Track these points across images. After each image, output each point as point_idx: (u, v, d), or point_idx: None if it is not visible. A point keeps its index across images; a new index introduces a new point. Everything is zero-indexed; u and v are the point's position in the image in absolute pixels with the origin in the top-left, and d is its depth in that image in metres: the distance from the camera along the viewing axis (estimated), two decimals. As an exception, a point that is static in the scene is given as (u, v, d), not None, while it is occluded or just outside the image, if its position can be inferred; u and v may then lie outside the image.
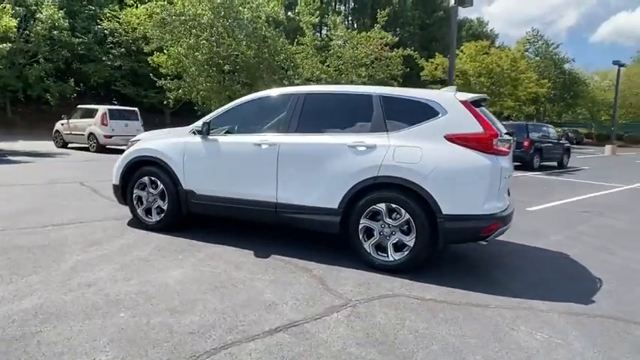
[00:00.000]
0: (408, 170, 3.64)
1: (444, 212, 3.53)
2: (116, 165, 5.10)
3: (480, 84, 28.75)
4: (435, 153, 3.63)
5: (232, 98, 18.78)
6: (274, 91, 4.65)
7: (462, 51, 30.08)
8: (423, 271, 3.74)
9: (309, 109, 4.22)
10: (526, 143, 14.15)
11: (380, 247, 3.82)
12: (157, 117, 26.00)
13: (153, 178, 4.75)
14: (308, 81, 22.98)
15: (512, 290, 3.52)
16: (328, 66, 22.28)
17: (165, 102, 20.02)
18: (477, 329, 2.82)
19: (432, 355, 2.48)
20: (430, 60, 29.21)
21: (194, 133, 4.61)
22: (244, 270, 3.70)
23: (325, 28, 23.10)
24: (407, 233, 3.70)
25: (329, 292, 3.31)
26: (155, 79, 17.88)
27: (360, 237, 3.86)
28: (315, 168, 4.01)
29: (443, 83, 30.11)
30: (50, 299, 2.91)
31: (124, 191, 4.98)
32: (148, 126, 12.60)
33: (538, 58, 38.05)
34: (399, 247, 3.75)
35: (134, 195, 4.88)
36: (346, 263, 3.90)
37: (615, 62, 28.63)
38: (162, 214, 4.75)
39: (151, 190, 4.79)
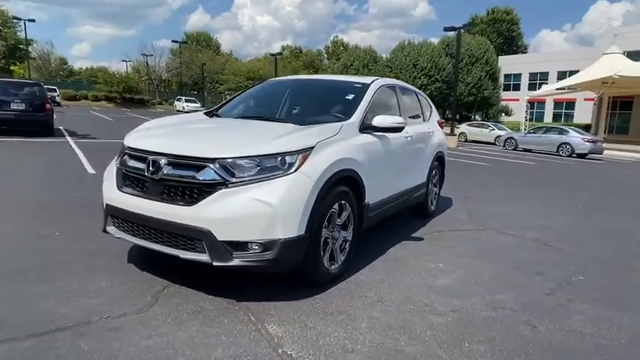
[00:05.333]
0: (442, 145, 5.47)
1: (445, 165, 5.81)
2: (290, 201, 2.63)
3: None
4: (440, 133, 5.65)
5: None
6: (388, 81, 4.47)
7: None
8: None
9: (404, 101, 4.61)
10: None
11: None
12: None
13: (343, 202, 3.13)
14: None
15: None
16: None
17: None
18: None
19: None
20: None
21: (362, 130, 3.48)
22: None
23: None
24: (437, 185, 5.58)
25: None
26: None
27: (430, 198, 5.25)
28: (423, 152, 4.76)
29: None
30: None
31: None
32: None
33: None
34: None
35: (322, 239, 2.91)
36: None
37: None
38: (347, 249, 3.29)
39: (337, 220, 3.13)
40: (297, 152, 2.74)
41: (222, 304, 2.72)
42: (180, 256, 2.68)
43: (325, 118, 3.55)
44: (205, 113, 4.12)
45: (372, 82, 4.01)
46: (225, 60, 62.05)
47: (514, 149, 20.04)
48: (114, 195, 2.97)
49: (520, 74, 45.52)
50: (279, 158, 2.69)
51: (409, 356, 2.27)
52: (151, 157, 2.78)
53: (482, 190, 8.07)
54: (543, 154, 18.65)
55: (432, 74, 42.23)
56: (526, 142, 19.97)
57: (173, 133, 3.36)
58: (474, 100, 45.20)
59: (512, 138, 20.74)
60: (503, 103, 44.80)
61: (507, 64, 45.31)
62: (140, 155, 2.89)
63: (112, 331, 2.32)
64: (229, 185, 2.59)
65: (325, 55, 63.49)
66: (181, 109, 44.12)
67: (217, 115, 3.99)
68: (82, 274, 3.04)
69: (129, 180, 2.94)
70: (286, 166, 2.69)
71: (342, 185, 3.06)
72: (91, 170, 7.33)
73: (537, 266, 3.81)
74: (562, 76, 39.44)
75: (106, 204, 3.02)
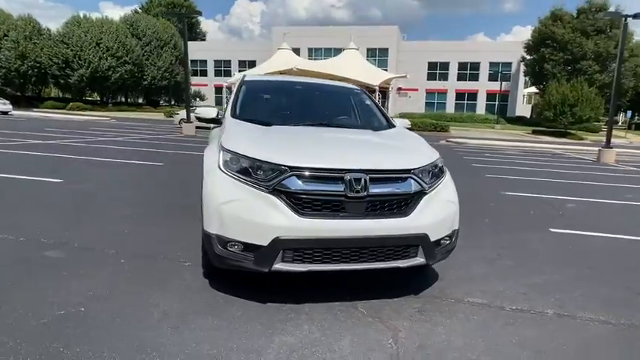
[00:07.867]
0: None
1: None
2: (457, 198, 3.15)
3: None
4: None
5: None
6: None
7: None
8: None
9: None
10: None
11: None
12: None
13: None
14: None
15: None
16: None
17: None
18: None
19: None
20: None
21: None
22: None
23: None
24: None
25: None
26: None
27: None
28: None
29: None
30: None
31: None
32: None
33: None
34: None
35: None
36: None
37: None
38: None
39: None
40: (440, 157, 3.23)
41: (411, 301, 2.97)
42: (400, 265, 2.74)
43: (375, 123, 3.94)
44: (242, 119, 3.47)
45: (360, 88, 4.54)
46: None
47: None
48: (292, 224, 2.52)
49: (205, 60, 48.67)
50: (436, 164, 3.09)
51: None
52: (350, 176, 2.59)
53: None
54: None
55: (121, 55, 39.21)
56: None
57: (328, 146, 3.02)
58: (168, 85, 45.20)
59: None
60: (195, 88, 46.88)
61: (193, 50, 47.24)
62: (328, 175, 2.60)
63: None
64: (427, 192, 2.86)
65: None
66: None
67: (268, 124, 3.42)
68: (261, 327, 2.44)
69: (312, 204, 2.57)
70: (438, 169, 3.11)
71: None
72: None
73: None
74: (242, 64, 45.06)
75: (276, 238, 2.51)
